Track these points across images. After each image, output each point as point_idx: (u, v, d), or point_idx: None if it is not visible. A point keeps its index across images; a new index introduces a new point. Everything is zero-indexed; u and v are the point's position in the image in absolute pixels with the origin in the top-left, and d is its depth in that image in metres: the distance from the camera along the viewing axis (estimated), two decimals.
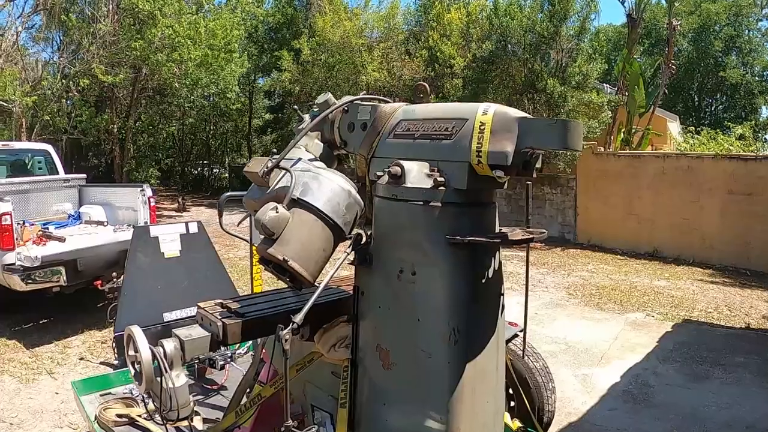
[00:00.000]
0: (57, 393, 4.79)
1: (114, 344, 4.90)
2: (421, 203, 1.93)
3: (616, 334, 6.56)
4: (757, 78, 25.08)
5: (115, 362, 5.11)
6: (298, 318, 1.89)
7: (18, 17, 14.21)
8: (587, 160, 13.05)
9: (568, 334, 6.54)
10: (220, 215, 3.22)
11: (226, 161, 28.52)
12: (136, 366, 2.15)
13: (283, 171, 2.15)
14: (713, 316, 7.46)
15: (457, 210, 1.95)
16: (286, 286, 2.27)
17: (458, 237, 1.88)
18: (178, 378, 2.12)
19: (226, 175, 27.33)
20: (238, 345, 4.68)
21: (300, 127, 2.45)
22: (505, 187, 2.09)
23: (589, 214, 13.41)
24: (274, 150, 2.54)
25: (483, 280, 2.05)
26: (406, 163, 1.95)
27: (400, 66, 15.21)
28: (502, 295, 2.20)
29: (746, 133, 12.43)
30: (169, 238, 4.79)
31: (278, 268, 2.01)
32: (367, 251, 2.13)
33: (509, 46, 12.28)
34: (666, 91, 15.52)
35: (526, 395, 3.37)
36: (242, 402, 2.72)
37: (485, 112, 1.91)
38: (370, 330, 2.17)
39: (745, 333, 6.75)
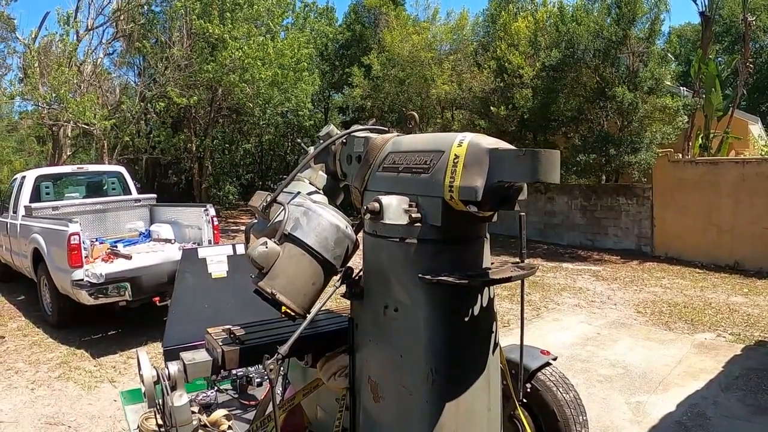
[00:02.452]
0: (115, 400, 5.11)
1: (163, 356, 5.19)
2: (398, 240, 1.92)
3: (680, 357, 6.13)
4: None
5: None
6: (284, 349, 1.94)
7: (98, 45, 15.40)
8: (663, 168, 12.42)
9: (629, 356, 6.18)
10: (247, 241, 3.34)
11: None
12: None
13: (281, 205, 2.21)
14: None
15: (433, 247, 1.91)
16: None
17: (428, 277, 1.84)
18: (180, 398, 2.24)
19: None
20: None
21: (303, 159, 2.52)
22: (494, 220, 2.02)
23: (667, 226, 12.71)
24: (284, 176, 2.63)
25: (466, 319, 2.00)
26: (384, 199, 1.94)
27: (469, 78, 15.05)
28: (494, 333, 2.13)
29: None
30: (216, 260, 4.99)
31: (269, 300, 2.07)
32: (359, 285, 2.15)
33: (577, 52, 11.85)
34: (745, 91, 14.39)
35: (553, 429, 3.22)
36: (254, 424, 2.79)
37: (460, 143, 1.85)
38: (363, 362, 2.18)
39: None
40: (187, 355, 2.38)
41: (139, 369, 2.40)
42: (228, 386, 4.41)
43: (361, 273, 2.20)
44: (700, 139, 13.00)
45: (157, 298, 6.48)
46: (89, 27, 14.76)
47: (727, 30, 24.67)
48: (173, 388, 2.28)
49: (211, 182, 19.24)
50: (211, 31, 13.05)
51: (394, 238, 1.92)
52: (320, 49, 19.71)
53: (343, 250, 2.13)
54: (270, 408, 2.91)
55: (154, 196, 8.95)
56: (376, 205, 1.93)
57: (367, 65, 17.44)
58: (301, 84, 15.68)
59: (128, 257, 6.85)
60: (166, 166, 20.26)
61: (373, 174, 2.18)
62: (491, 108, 13.97)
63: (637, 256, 13.02)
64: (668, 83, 12.20)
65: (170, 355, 4.69)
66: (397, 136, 2.24)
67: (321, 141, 2.52)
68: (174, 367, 2.30)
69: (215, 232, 7.58)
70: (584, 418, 3.50)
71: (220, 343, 2.39)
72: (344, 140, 2.39)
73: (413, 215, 1.89)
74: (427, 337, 1.92)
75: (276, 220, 2.18)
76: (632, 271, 11.71)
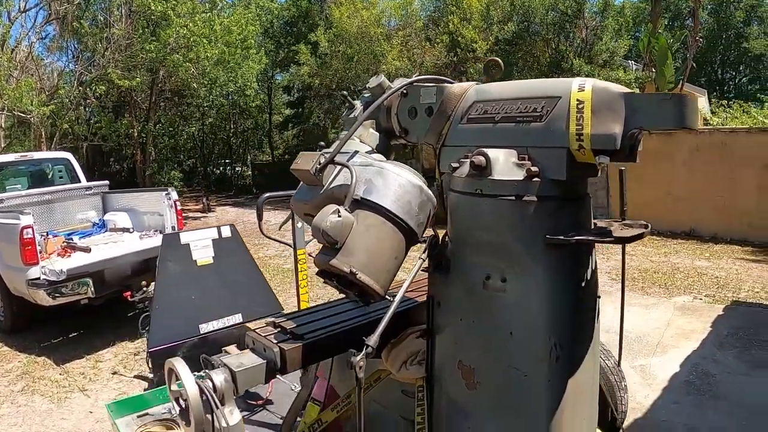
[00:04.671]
0: (91, 412, 4.60)
1: (149, 358, 4.70)
2: (513, 198, 1.64)
3: (666, 320, 6.23)
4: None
5: (150, 375, 4.90)
6: (373, 341, 1.60)
7: (31, 28, 14.12)
8: None
9: (618, 322, 6.20)
10: (260, 218, 2.95)
11: (248, 159, 28.31)
12: (181, 403, 1.86)
13: (339, 167, 1.86)
14: (761, 296, 7.09)
15: (554, 205, 1.65)
16: (345, 297, 2.01)
17: (561, 237, 1.59)
18: (232, 415, 1.81)
19: (249, 173, 27.16)
20: None
21: (351, 115, 2.17)
22: (599, 175, 1.79)
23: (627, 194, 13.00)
24: (322, 143, 2.25)
25: (583, 285, 1.77)
26: (490, 152, 1.66)
27: (420, 53, 14.82)
28: (599, 298, 1.92)
29: None
30: (200, 245, 4.54)
31: (343, 281, 1.72)
32: (443, 256, 1.86)
33: (532, 26, 11.85)
34: (694, 65, 14.95)
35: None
36: (298, 428, 2.46)
37: (581, 88, 1.62)
38: (448, 345, 1.90)
39: None
40: (231, 361, 1.96)
41: (170, 383, 1.97)
42: None
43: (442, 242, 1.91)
44: None
45: (128, 293, 5.91)
46: (21, 9, 13.41)
47: (666, 8, 25.62)
48: (221, 403, 1.83)
49: (155, 169, 18.17)
50: (153, 8, 12.12)
51: (508, 196, 1.64)
52: (265, 26, 18.86)
53: (426, 215, 1.82)
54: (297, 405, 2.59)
55: (107, 182, 8.25)
56: (482, 159, 1.65)
57: (314, 42, 16.92)
58: (248, 62, 14.94)
59: (87, 250, 6.24)
60: (108, 153, 18.98)
61: (455, 127, 1.89)
62: (493, 72, 13.85)
63: None
64: (620, 57, 12.44)
65: (159, 357, 4.25)
66: (477, 84, 1.95)
67: (369, 94, 2.19)
68: (219, 377, 1.86)
69: (179, 217, 7.04)
70: (625, 383, 3.41)
71: (274, 341, 2.01)
72: (404, 92, 2.07)
73: (531, 169, 1.61)
74: (548, 307, 1.67)
75: (334, 185, 1.85)
76: None
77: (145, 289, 6.03)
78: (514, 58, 13.10)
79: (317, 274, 1.82)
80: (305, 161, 1.90)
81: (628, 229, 1.72)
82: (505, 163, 1.66)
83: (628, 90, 1.60)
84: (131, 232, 7.24)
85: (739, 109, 12.71)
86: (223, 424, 1.77)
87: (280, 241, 3.07)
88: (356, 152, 1.97)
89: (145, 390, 4.80)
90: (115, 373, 5.35)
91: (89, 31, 13.21)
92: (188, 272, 4.45)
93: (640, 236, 1.65)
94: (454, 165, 1.78)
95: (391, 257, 1.73)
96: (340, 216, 1.64)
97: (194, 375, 1.84)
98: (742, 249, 9.96)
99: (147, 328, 5.40)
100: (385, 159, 2.02)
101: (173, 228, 6.91)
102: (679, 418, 4.12)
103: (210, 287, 4.52)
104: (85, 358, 5.76)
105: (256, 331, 2.12)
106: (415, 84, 2.05)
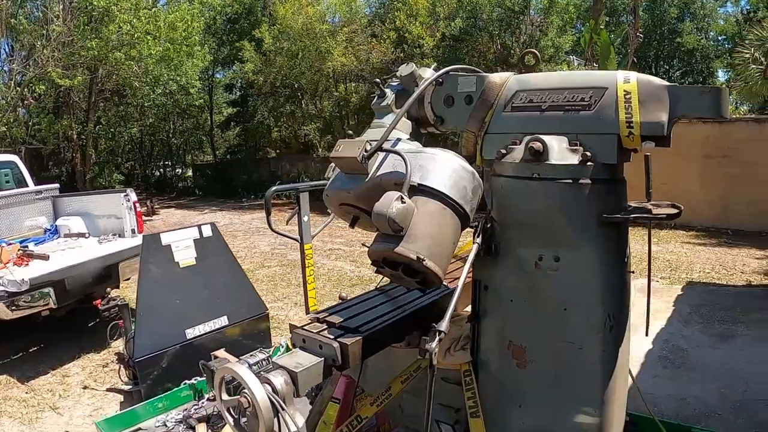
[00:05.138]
0: (67, 431, 4.36)
1: (130, 367, 4.47)
2: (569, 181, 1.72)
3: (631, 301, 6.56)
4: (712, 42, 25.94)
5: (125, 387, 4.68)
6: (444, 326, 1.59)
7: None
8: None
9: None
10: (269, 213, 2.90)
11: (188, 160, 27.54)
12: (243, 413, 1.76)
13: (382, 155, 1.87)
14: (713, 276, 7.59)
15: (604, 187, 1.76)
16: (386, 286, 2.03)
17: (618, 215, 1.69)
18: (297, 418, 1.76)
19: (190, 173, 26.41)
20: None
21: (384, 103, 2.15)
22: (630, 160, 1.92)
23: None
24: (350, 131, 2.25)
25: (625, 259, 1.88)
26: (546, 138, 1.73)
27: (367, 49, 14.86)
28: (632, 272, 2.05)
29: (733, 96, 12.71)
30: (182, 245, 4.39)
31: (405, 269, 1.72)
32: (491, 240, 1.91)
33: (479, 22, 12.14)
34: (635, 59, 15.75)
35: None
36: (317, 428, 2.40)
37: (627, 80, 1.74)
38: (497, 327, 1.96)
39: (751, 290, 6.87)
40: (287, 361, 1.90)
41: (220, 392, 1.86)
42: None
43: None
44: None
45: (98, 301, 5.62)
46: None
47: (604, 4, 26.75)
48: (282, 408, 1.73)
49: (96, 171, 17.30)
50: (95, 3, 11.52)
51: (564, 179, 1.72)
52: (208, 22, 18.33)
53: (477, 200, 1.84)
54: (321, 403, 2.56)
55: (57, 186, 7.79)
56: (540, 144, 1.71)
57: (258, 39, 16.64)
58: (192, 60, 14.49)
59: (45, 258, 5.89)
60: (47, 157, 17.87)
61: (498, 115, 1.94)
62: (531, 64, 13.97)
63: None
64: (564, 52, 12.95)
65: (146, 366, 4.11)
66: (514, 74, 2.02)
67: (398, 82, 2.21)
68: (278, 380, 1.78)
69: (139, 219, 6.77)
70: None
71: (331, 336, 1.96)
72: (440, 80, 2.11)
73: (585, 154, 1.70)
74: (602, 281, 1.77)
75: (382, 172, 1.84)
76: None
77: (111, 296, 5.77)
78: (461, 54, 13.37)
79: (373, 263, 1.82)
80: (349, 149, 1.89)
81: (661, 208, 1.85)
82: (559, 149, 1.73)
83: (668, 83, 1.73)
84: (87, 237, 6.89)
85: None
86: (293, 428, 1.72)
87: (288, 236, 3.03)
88: (399, 139, 1.99)
89: (121, 403, 4.61)
90: (86, 387, 5.07)
91: (27, 28, 12.41)
92: (171, 274, 4.29)
93: (678, 214, 1.78)
94: (502, 151, 1.84)
95: (450, 242, 1.76)
96: (404, 202, 1.64)
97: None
98: (686, 233, 10.60)
99: (116, 338, 5.17)
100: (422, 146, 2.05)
101: (133, 231, 6.64)
102: (662, 390, 4.35)
103: (194, 290, 4.38)
104: (51, 373, 5.42)
105: (305, 328, 2.05)
106: (451, 73, 2.09)
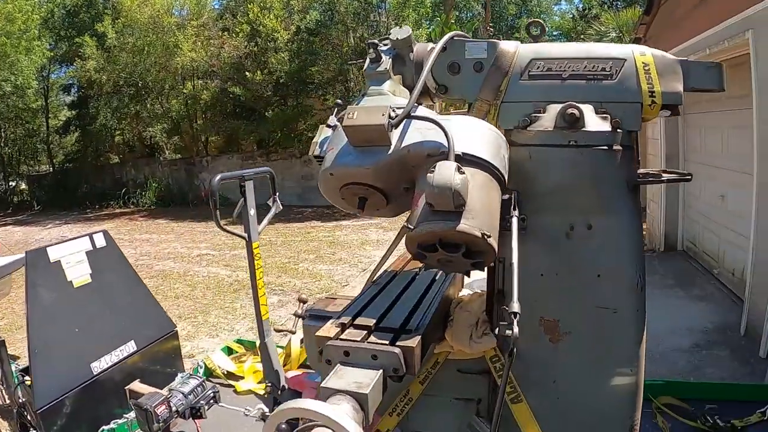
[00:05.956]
0: None
1: (38, 421, 3.62)
2: (605, 148, 1.76)
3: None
4: (548, 38, 29.02)
5: None
6: (516, 306, 1.50)
7: None
8: None
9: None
10: (215, 207, 2.53)
11: (23, 171, 24.22)
12: None
13: (403, 122, 1.66)
14: None
15: (629, 153, 1.82)
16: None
17: (651, 179, 1.77)
18: None
19: (24, 186, 23.50)
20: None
21: (380, 69, 1.89)
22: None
23: None
24: (339, 101, 2.01)
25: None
26: (580, 105, 1.74)
27: (218, 44, 14.07)
28: None
29: None
30: (73, 260, 3.69)
31: (453, 249, 1.52)
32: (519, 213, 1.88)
33: (337, 15, 12.15)
34: None
35: None
36: None
37: (642, 53, 1.83)
38: (525, 303, 1.92)
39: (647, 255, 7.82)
40: (339, 383, 1.51)
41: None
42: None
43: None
44: None
45: None
46: None
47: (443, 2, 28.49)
48: None
49: None
50: None
51: (600, 145, 1.75)
52: (44, 16, 15.89)
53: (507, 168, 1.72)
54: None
55: None
56: (576, 111, 1.72)
57: (101, 33, 15.12)
58: (31, 57, 12.51)
59: None
60: None
61: (515, 83, 1.90)
62: (246, 73, 13.49)
63: None
64: None
65: (50, 415, 3.37)
66: (519, 43, 2.00)
67: (390, 46, 1.95)
68: (345, 407, 1.41)
69: None
70: None
71: (386, 342, 1.64)
72: (444, 47, 1.97)
73: (616, 120, 1.75)
74: (633, 244, 1.84)
75: (410, 143, 1.65)
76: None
77: None
78: (317, 47, 13.29)
79: (419, 247, 1.58)
80: (369, 116, 1.65)
81: (672, 173, 1.99)
82: (592, 116, 1.76)
83: (679, 58, 1.85)
84: None
85: None
86: None
87: (235, 234, 2.71)
88: (418, 105, 1.83)
89: None
90: None
91: None
92: (65, 298, 3.58)
93: (689, 178, 1.94)
94: (526, 120, 1.82)
95: (498, 215, 1.63)
96: (463, 173, 1.47)
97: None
98: None
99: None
100: None
101: None
102: None
103: (93, 313, 3.72)
104: None
105: (342, 338, 1.70)
106: (456, 39, 1.98)
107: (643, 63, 1.79)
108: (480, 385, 2.08)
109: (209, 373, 4.30)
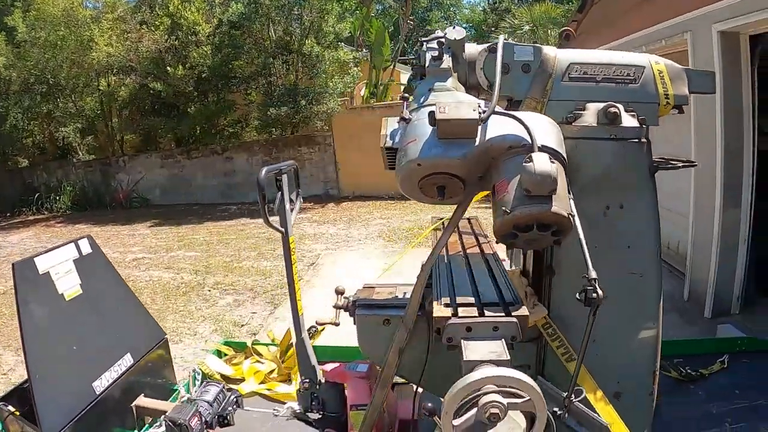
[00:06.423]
0: None
1: None
2: (636, 140, 2.11)
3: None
4: (465, 31, 30.04)
5: None
6: (593, 273, 1.77)
7: None
8: (342, 116, 13.66)
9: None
10: (264, 200, 2.60)
11: None
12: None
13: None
14: None
15: (649, 145, 2.20)
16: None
17: (670, 165, 2.15)
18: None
19: None
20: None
21: (443, 66, 2.10)
22: None
23: (350, 168, 14.14)
24: (406, 95, 2.16)
25: None
26: (617, 105, 2.08)
27: (136, 38, 13.32)
28: None
29: None
30: (62, 270, 3.34)
31: (545, 229, 1.78)
32: None
33: (261, 8, 11.96)
34: (406, 44, 17.31)
35: None
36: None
37: (657, 62, 2.22)
38: (572, 276, 2.21)
39: None
40: (484, 354, 1.75)
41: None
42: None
43: None
44: (372, 88, 15.04)
45: None
46: None
47: None
48: None
49: None
50: None
51: (633, 138, 2.10)
52: None
53: None
54: None
55: None
56: (616, 110, 2.05)
57: (11, 28, 14.06)
58: None
59: None
60: None
61: (558, 84, 2.21)
62: (168, 68, 12.95)
63: (327, 200, 14.33)
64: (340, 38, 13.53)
65: None
66: (555, 48, 2.29)
67: (444, 45, 2.15)
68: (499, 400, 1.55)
69: None
70: None
71: (502, 314, 1.90)
72: (493, 48, 2.20)
73: (641, 118, 2.11)
74: (654, 219, 2.22)
75: (493, 136, 1.84)
76: (338, 211, 13.03)
77: None
78: (239, 41, 13.02)
79: (514, 228, 1.78)
80: (462, 111, 1.80)
81: (679, 161, 2.39)
82: (625, 114, 2.11)
83: (683, 66, 2.25)
84: None
85: None
86: None
87: (278, 228, 2.78)
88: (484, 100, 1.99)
89: None
90: None
91: None
92: (58, 313, 3.28)
93: (695, 164, 2.36)
94: (571, 116, 2.13)
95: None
96: (554, 162, 1.73)
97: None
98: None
99: None
100: None
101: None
102: None
103: (88, 327, 3.46)
104: None
105: (461, 317, 1.94)
106: (505, 42, 2.20)
107: (658, 70, 2.17)
108: (530, 353, 2.35)
109: (206, 379, 4.23)
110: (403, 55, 17.52)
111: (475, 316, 1.91)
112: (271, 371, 4.12)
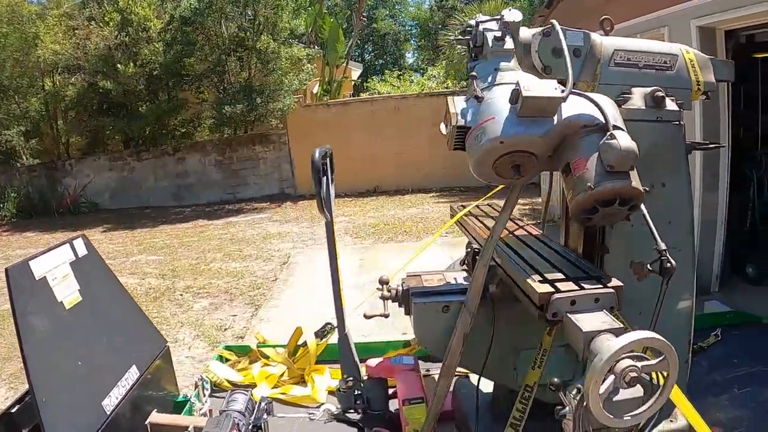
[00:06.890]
0: None
1: None
2: (677, 123, 2.25)
3: (449, 255, 7.03)
4: (402, 27, 30.43)
5: None
6: (663, 244, 1.94)
7: None
8: (297, 113, 13.57)
9: (413, 265, 7.16)
10: (319, 185, 2.54)
11: None
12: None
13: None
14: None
15: (684, 127, 2.35)
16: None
17: (706, 145, 2.31)
18: None
19: None
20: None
21: (506, 47, 2.10)
22: None
23: (306, 166, 13.92)
24: (474, 74, 2.07)
25: None
26: (661, 90, 2.21)
27: (84, 34, 12.65)
28: None
29: (440, 73, 15.10)
30: (59, 274, 2.97)
31: (624, 203, 1.87)
32: None
33: (215, 3, 11.65)
34: (359, 41, 17.27)
35: None
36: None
37: (687, 51, 2.41)
38: (621, 250, 2.35)
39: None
40: (598, 324, 1.78)
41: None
42: None
43: None
44: (324, 85, 14.96)
45: None
46: None
47: None
48: None
49: None
50: None
51: (674, 121, 2.24)
52: None
53: None
54: None
55: None
56: (662, 94, 2.18)
57: None
58: None
59: None
60: None
61: (606, 68, 2.32)
62: (118, 66, 12.42)
63: (283, 198, 14.16)
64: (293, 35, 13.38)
65: None
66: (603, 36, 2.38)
67: (504, 27, 2.14)
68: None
69: None
70: None
71: (598, 285, 1.96)
72: (547, 32, 2.26)
73: (679, 103, 2.25)
74: (689, 197, 2.38)
75: (571, 114, 1.88)
76: (298, 210, 12.90)
77: None
78: (192, 37, 12.64)
79: (596, 203, 1.85)
80: (543, 89, 1.82)
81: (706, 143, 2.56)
82: (667, 99, 2.24)
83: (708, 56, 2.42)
84: None
85: (393, 79, 15.46)
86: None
87: (329, 216, 2.73)
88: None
89: None
90: None
91: None
92: (60, 325, 2.91)
93: (721, 145, 2.53)
94: (620, 99, 2.24)
95: None
96: (633, 141, 1.81)
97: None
98: (427, 195, 12.38)
99: None
100: None
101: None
102: None
103: (91, 339, 3.11)
104: None
105: (563, 291, 1.93)
106: (557, 27, 2.23)
107: (689, 59, 2.34)
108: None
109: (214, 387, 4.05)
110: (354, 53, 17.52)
111: (576, 290, 1.93)
112: (282, 374, 4.01)
